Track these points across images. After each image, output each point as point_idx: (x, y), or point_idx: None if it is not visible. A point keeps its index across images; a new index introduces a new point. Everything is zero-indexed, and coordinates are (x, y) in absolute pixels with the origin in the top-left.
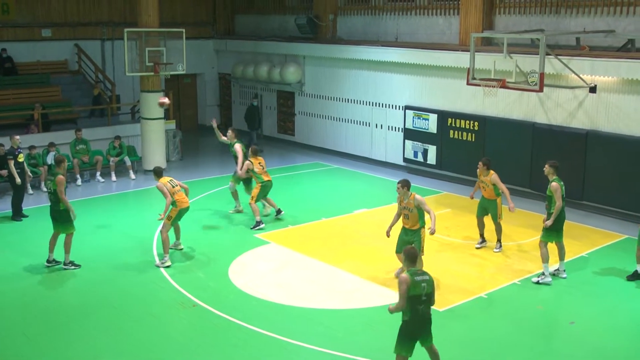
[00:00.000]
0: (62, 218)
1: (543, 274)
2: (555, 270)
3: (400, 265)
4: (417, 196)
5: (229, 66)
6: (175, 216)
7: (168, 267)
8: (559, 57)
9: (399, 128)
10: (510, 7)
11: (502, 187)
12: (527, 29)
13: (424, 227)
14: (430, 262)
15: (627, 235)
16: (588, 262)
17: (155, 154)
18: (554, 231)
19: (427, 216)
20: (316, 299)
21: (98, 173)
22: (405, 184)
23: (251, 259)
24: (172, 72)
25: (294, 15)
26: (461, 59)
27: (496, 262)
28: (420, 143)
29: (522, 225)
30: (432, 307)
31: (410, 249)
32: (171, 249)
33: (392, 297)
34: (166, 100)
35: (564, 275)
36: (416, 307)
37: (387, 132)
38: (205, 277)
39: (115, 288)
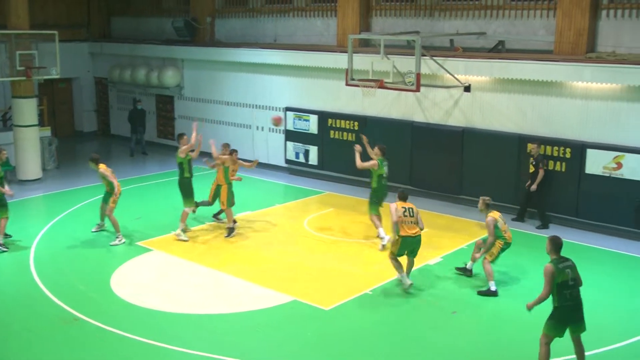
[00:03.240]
0: None
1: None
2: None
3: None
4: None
5: (106, 70)
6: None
7: (123, 243)
8: (434, 58)
9: (280, 130)
10: (387, 9)
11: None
12: (403, 30)
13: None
14: (314, 262)
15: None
16: (468, 253)
17: (30, 162)
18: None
19: None
20: (202, 304)
21: None
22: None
23: (134, 268)
24: (45, 77)
25: (171, 17)
26: (339, 60)
27: (380, 259)
28: (301, 144)
29: None
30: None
31: (555, 238)
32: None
33: (279, 298)
34: (280, 116)
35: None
36: (564, 292)
37: (269, 134)
38: (86, 289)
39: None
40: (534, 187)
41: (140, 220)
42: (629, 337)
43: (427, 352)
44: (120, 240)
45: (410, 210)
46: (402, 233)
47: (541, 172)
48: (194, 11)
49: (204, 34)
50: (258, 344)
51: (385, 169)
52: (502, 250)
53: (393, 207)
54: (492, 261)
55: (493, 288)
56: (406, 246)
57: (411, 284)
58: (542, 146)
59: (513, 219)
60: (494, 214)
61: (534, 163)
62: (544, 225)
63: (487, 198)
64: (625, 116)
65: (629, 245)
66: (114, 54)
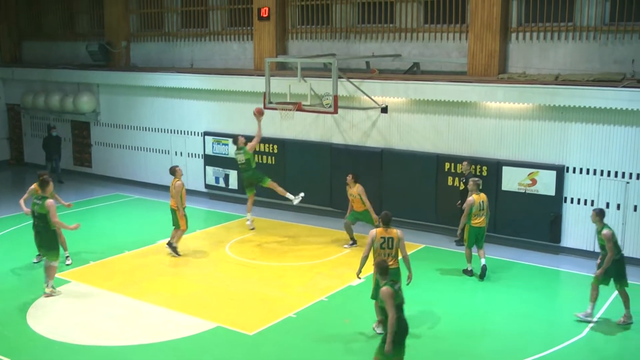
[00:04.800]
0: None
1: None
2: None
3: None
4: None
5: (18, 96)
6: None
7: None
8: (351, 80)
9: (199, 154)
10: (302, 32)
11: (366, 200)
12: (320, 53)
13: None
14: (237, 286)
15: (424, 244)
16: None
17: None
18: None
19: None
20: (123, 335)
21: None
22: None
23: (51, 300)
24: None
25: (85, 41)
26: (257, 84)
27: (302, 282)
28: (221, 168)
29: (325, 242)
30: None
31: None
32: None
33: (202, 325)
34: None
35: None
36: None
37: (188, 159)
38: (0, 325)
39: None
40: (465, 205)
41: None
42: (549, 347)
43: None
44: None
45: (390, 241)
46: (374, 263)
47: None
48: (108, 35)
49: (120, 58)
50: None
51: (239, 157)
52: (473, 235)
53: (372, 235)
54: (469, 246)
55: (469, 268)
56: None
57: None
58: (472, 165)
59: (455, 241)
60: (477, 197)
61: (464, 181)
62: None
63: (478, 179)
64: (537, 134)
65: (545, 258)
66: (26, 80)
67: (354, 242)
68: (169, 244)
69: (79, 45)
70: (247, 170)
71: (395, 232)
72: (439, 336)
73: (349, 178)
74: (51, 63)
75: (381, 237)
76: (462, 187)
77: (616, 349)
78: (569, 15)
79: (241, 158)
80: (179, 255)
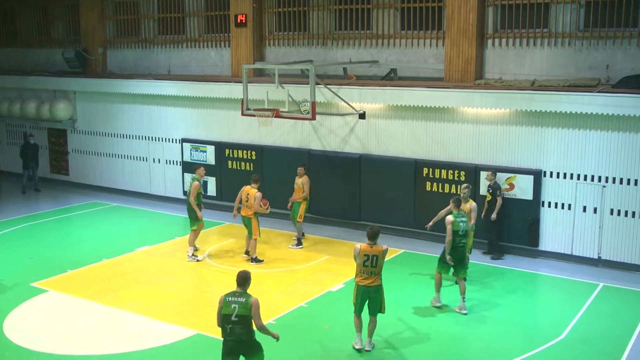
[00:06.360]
0: None
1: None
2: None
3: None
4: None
5: None
6: None
7: None
8: (329, 86)
9: (177, 162)
10: (280, 39)
11: (307, 191)
12: (297, 60)
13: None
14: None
15: (402, 249)
16: None
17: None
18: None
19: None
20: (102, 344)
21: None
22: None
23: (28, 310)
24: None
25: (61, 48)
26: (234, 90)
27: (281, 288)
28: None
29: (303, 248)
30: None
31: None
32: None
33: (181, 332)
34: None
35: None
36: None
37: (166, 166)
38: None
39: None
40: (494, 216)
41: (34, 260)
42: (529, 350)
43: None
44: None
45: (374, 259)
46: (357, 279)
47: (499, 200)
48: (84, 42)
49: (96, 65)
50: None
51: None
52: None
53: (355, 251)
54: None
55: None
56: (361, 297)
57: (368, 350)
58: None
59: (484, 253)
60: (462, 207)
61: (490, 191)
62: (498, 256)
63: (465, 186)
64: (514, 139)
65: (523, 261)
66: (2, 87)
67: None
68: (253, 260)
69: (54, 52)
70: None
71: (380, 249)
72: (420, 340)
73: (301, 170)
74: (27, 70)
75: (364, 255)
76: (488, 197)
77: (596, 349)
78: (544, 21)
79: (188, 186)
80: (261, 261)
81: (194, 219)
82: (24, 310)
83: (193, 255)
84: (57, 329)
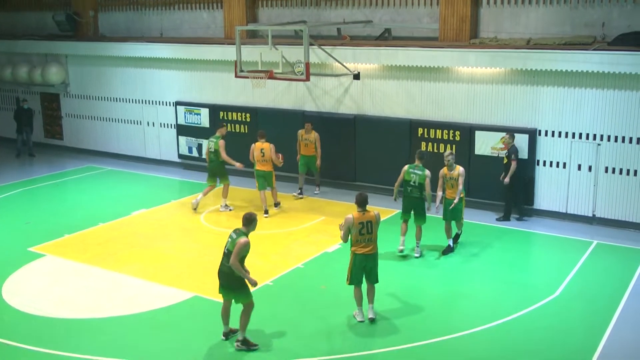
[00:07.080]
0: None
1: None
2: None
3: None
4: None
5: None
6: None
7: None
8: (323, 47)
9: (171, 124)
10: (273, 0)
11: (319, 147)
12: (290, 20)
13: None
14: (213, 256)
15: (398, 210)
16: None
17: None
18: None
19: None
20: (99, 308)
21: None
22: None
23: (26, 275)
24: None
25: (51, 11)
26: (228, 52)
27: (278, 249)
28: (194, 138)
29: (299, 210)
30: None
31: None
32: None
33: (179, 295)
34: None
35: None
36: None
37: (160, 130)
38: None
39: None
40: (506, 179)
41: (30, 225)
42: (523, 308)
43: (333, 340)
44: None
45: (369, 225)
46: (353, 249)
47: (514, 164)
48: (75, 4)
49: (87, 28)
50: (160, 343)
51: (210, 144)
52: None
53: (348, 222)
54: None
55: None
56: (359, 266)
57: (372, 319)
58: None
59: (498, 219)
60: (450, 173)
61: (506, 154)
62: (505, 217)
63: (448, 153)
64: (509, 98)
65: (516, 220)
66: None
67: (301, 193)
68: (276, 205)
69: (45, 15)
70: (213, 160)
71: (373, 214)
72: (415, 300)
73: (308, 126)
74: (17, 34)
75: (359, 223)
76: (505, 160)
77: (590, 306)
78: None
79: (212, 146)
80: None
81: (223, 174)
82: (22, 275)
83: (226, 205)
84: (56, 293)
